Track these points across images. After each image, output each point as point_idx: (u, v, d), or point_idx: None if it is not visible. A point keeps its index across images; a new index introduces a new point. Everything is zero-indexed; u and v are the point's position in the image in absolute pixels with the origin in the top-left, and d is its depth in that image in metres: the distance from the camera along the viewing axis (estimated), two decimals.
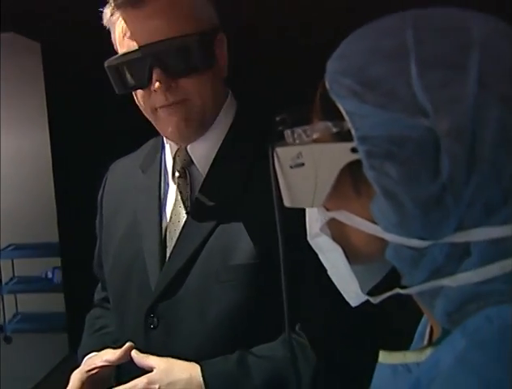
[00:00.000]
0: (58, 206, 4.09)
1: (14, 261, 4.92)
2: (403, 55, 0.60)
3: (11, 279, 4.96)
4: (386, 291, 0.69)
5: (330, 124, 0.65)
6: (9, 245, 4.85)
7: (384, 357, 0.71)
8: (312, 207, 0.71)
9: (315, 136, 0.68)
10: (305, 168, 0.69)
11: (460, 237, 0.60)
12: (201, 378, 1.10)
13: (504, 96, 0.58)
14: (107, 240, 1.37)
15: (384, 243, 0.65)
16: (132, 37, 1.14)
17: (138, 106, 1.22)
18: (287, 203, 0.74)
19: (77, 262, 3.20)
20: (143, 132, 1.33)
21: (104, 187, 1.43)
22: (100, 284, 1.50)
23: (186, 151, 1.25)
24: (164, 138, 1.31)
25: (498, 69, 0.59)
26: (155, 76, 1.13)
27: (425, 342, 0.77)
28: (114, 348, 1.20)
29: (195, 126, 1.20)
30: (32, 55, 4.04)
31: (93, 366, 1.17)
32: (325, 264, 0.76)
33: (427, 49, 0.60)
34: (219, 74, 1.21)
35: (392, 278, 0.72)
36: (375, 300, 0.70)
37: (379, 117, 0.60)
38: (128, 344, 1.15)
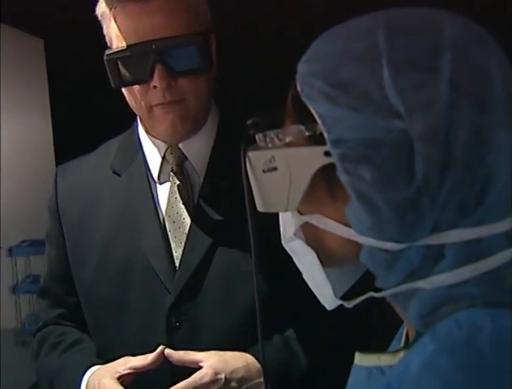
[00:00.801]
0: None
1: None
2: (375, 57, 0.60)
3: (27, 277, 4.49)
4: (361, 294, 0.69)
5: (302, 127, 0.65)
6: (23, 241, 4.41)
7: (359, 359, 0.71)
8: (286, 211, 0.71)
9: (288, 140, 0.67)
10: (278, 173, 0.68)
11: (435, 240, 0.60)
12: (258, 364, 1.11)
13: (475, 97, 0.59)
14: (78, 249, 1.31)
15: (358, 246, 0.65)
16: (133, 32, 1.13)
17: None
18: (260, 207, 0.74)
19: None
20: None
21: (56, 192, 1.36)
22: (46, 302, 1.38)
23: (179, 148, 1.26)
24: (143, 138, 1.31)
25: (469, 69, 0.60)
26: (157, 73, 1.13)
27: (401, 344, 0.77)
28: (109, 361, 1.16)
29: (190, 125, 1.21)
30: (36, 51, 4.04)
31: (119, 374, 1.13)
32: (300, 268, 0.76)
33: (399, 50, 0.60)
34: (212, 74, 1.22)
35: (367, 281, 0.72)
36: (349, 304, 0.70)
37: (352, 119, 0.60)
38: (161, 347, 1.11)
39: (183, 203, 1.24)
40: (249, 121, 0.72)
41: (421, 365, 0.58)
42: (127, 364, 1.13)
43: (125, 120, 1.35)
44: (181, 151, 1.26)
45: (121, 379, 1.12)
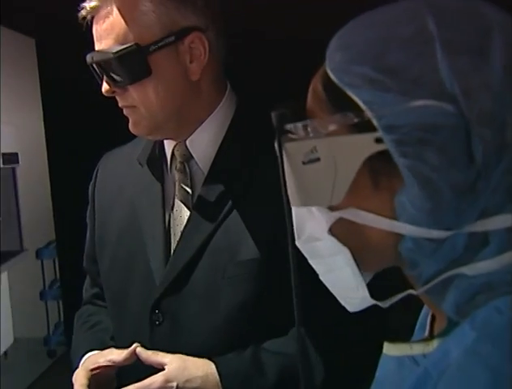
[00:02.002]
0: (54, 203, 4.05)
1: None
2: (426, 40, 0.60)
3: (53, 282, 4.27)
4: (392, 292, 0.69)
5: (350, 114, 0.63)
6: (49, 243, 4.23)
7: (388, 349, 0.71)
8: (329, 205, 0.67)
9: (331, 128, 0.65)
10: (321, 164, 0.66)
11: (481, 226, 0.61)
12: (217, 376, 1.11)
13: None
14: (102, 233, 1.37)
15: (396, 240, 0.65)
16: (94, 39, 1.18)
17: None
18: (297, 202, 0.70)
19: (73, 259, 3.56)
20: None
21: (96, 179, 1.43)
22: (88, 280, 1.49)
23: (185, 145, 1.25)
24: None
25: None
26: (104, 80, 1.17)
27: (426, 333, 0.77)
28: (116, 347, 1.22)
29: (147, 130, 1.22)
30: (27, 51, 4.08)
31: (97, 365, 1.17)
32: (318, 269, 0.74)
33: (450, 33, 0.60)
34: (177, 79, 1.18)
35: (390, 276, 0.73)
36: (384, 304, 0.70)
37: (405, 104, 0.59)
38: (134, 345, 1.15)
39: (182, 202, 1.25)
40: (276, 113, 0.68)
41: (464, 352, 0.58)
42: (107, 356, 1.18)
43: (118, 119, 1.34)
44: (187, 149, 1.25)
45: (99, 370, 1.18)
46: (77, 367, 1.24)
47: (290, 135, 0.68)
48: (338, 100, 0.64)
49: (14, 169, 3.97)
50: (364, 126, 0.62)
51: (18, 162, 3.95)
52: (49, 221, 4.24)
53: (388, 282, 0.77)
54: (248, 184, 1.20)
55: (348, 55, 0.64)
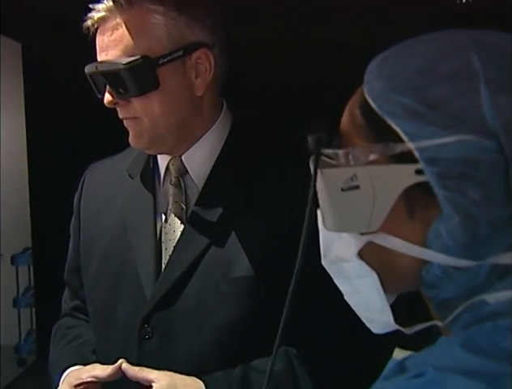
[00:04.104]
0: (32, 209, 4.05)
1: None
2: (470, 76, 0.61)
3: (27, 289, 4.17)
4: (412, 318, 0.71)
5: (392, 145, 0.63)
6: (25, 249, 4.15)
7: (396, 353, 0.77)
8: (366, 231, 0.67)
9: (372, 158, 0.65)
10: (360, 191, 0.66)
11: (506, 259, 0.62)
12: None
13: None
14: (88, 244, 1.35)
15: (421, 265, 0.66)
16: (97, 50, 1.18)
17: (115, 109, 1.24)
18: (332, 227, 0.71)
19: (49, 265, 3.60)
20: (121, 135, 1.30)
21: (81, 189, 1.41)
22: (67, 293, 1.46)
23: (181, 160, 1.25)
24: None
25: None
26: (107, 91, 1.17)
27: None
28: (99, 361, 1.20)
29: (148, 143, 1.22)
30: (13, 55, 4.02)
31: (80, 381, 1.15)
32: (343, 289, 0.74)
33: (494, 71, 0.61)
34: (182, 94, 1.19)
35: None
36: (409, 330, 0.70)
37: (447, 138, 0.60)
38: (120, 361, 1.13)
39: (175, 216, 1.24)
40: (313, 137, 0.68)
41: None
42: (91, 372, 1.16)
43: (101, 127, 1.40)
44: (183, 164, 1.26)
45: (83, 386, 1.15)
46: (58, 383, 1.22)
47: (327, 160, 0.69)
48: (377, 128, 0.65)
49: None
50: (405, 157, 0.63)
51: None
52: (26, 227, 4.17)
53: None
54: (241, 201, 1.21)
55: (391, 84, 0.64)
